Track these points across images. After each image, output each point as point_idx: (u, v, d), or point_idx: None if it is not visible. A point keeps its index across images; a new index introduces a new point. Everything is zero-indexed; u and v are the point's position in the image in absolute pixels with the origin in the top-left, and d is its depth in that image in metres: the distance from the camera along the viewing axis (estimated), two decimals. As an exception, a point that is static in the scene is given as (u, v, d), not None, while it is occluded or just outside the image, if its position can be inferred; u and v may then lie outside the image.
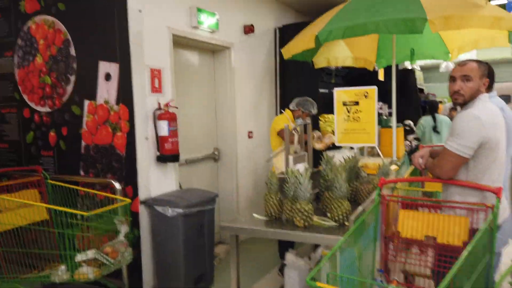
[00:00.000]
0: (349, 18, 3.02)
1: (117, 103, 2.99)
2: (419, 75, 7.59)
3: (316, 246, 3.31)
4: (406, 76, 6.53)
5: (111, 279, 2.96)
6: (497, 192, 1.82)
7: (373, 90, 2.87)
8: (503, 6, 4.60)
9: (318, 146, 3.67)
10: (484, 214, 1.86)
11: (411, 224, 2.05)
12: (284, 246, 3.32)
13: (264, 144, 4.68)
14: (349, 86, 5.02)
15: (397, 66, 4.61)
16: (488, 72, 2.08)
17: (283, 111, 3.55)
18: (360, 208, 2.12)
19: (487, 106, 1.98)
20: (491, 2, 4.03)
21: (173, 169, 3.26)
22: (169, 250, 2.90)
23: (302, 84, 4.67)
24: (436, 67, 10.71)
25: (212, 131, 4.22)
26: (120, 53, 2.94)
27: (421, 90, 7.85)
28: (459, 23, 2.77)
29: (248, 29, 4.27)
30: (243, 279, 2.83)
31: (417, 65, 8.21)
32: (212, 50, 4.14)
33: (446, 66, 8.95)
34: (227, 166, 4.23)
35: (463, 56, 4.43)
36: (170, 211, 2.81)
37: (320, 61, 4.28)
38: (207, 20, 3.63)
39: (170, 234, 2.87)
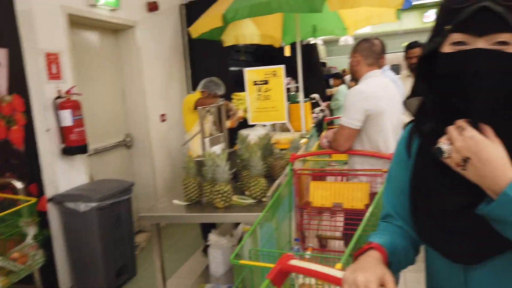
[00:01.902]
0: (254, -3, 3.07)
1: (10, 93, 2.68)
2: (321, 49, 8.02)
3: (237, 224, 3.42)
4: (310, 51, 6.86)
5: (23, 285, 2.74)
6: (390, 158, 2.07)
7: (280, 68, 2.98)
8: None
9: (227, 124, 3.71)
10: (382, 179, 2.10)
11: (320, 193, 2.23)
12: (206, 227, 3.37)
13: (177, 127, 4.60)
14: (258, 62, 5.14)
15: (301, 41, 4.83)
16: (363, 48, 2.21)
17: (193, 91, 3.51)
18: (275, 183, 2.23)
19: (373, 81, 2.19)
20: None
21: (82, 161, 3.07)
22: (85, 246, 2.76)
23: (212, 64, 4.65)
24: (336, 41, 11.39)
25: (122, 116, 4.03)
26: (8, 36, 2.62)
27: (324, 64, 8.32)
28: (353, 1, 2.98)
29: (152, 6, 4.09)
30: (168, 264, 2.83)
31: (320, 39, 8.65)
32: (114, 30, 3.89)
33: (345, 40, 9.55)
34: (140, 152, 4.10)
35: (358, 31, 4.79)
36: (83, 206, 2.66)
37: (228, 39, 4.29)
38: (106, -2, 3.39)
39: (85, 230, 2.73)
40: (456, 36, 0.73)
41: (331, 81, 7.64)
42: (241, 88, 4.66)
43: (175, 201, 2.28)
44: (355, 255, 0.86)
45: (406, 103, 0.89)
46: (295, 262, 0.88)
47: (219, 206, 2.10)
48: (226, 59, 4.79)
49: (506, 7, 0.68)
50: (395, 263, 0.87)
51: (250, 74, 3.06)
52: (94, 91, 3.60)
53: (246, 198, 2.20)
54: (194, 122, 3.40)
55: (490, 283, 0.77)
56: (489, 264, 0.76)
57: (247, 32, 4.40)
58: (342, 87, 6.29)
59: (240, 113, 3.84)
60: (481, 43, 0.70)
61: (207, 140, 2.52)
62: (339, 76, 6.55)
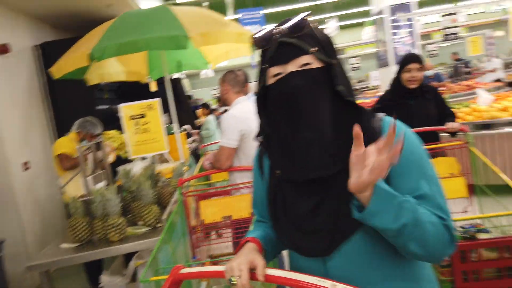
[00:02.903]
0: (121, 36, 3.16)
1: None
2: (186, 82, 8.35)
3: (127, 263, 3.34)
4: (176, 85, 7.10)
5: None
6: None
7: (156, 102, 3.13)
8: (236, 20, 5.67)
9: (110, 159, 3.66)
10: (261, 188, 2.42)
11: (210, 210, 2.43)
12: (93, 272, 3.21)
13: (44, 174, 4.27)
14: (123, 99, 5.12)
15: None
16: (230, 79, 2.57)
17: (67, 134, 3.38)
18: (168, 209, 2.35)
19: (242, 106, 2.53)
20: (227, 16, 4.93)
21: None
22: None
23: (77, 104, 4.49)
24: (197, 75, 11.95)
25: (-25, 169, 3.57)
26: None
27: (190, 97, 8.65)
28: (214, 39, 3.34)
29: (2, 49, 3.80)
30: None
31: (183, 74, 9.00)
32: (-44, 76, 3.49)
33: (206, 73, 10.16)
34: (2, 207, 3.67)
35: (219, 65, 5.23)
36: None
37: (93, 78, 4.21)
38: None
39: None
40: (273, 70, 0.92)
41: (199, 112, 8.01)
42: (110, 127, 4.60)
43: (64, 245, 2.19)
44: (236, 252, 0.97)
45: (257, 139, 1.05)
46: (185, 270, 0.94)
47: (114, 240, 2.11)
48: (91, 99, 4.67)
49: (297, 38, 0.90)
50: (270, 251, 1.02)
51: (126, 109, 3.11)
52: None
53: (140, 227, 2.26)
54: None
55: (347, 266, 0.90)
56: (342, 251, 0.89)
57: (113, 70, 4.39)
58: (211, 117, 6.67)
59: (110, 145, 3.80)
60: (291, 68, 0.90)
61: (89, 178, 2.49)
62: (207, 106, 6.97)
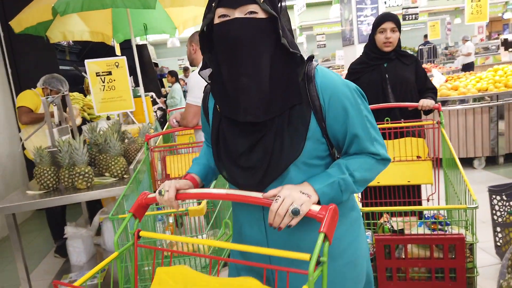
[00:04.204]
0: (86, -10, 3.09)
1: None
2: (151, 50, 8.19)
3: (91, 217, 3.39)
4: (141, 51, 6.98)
5: None
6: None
7: (122, 60, 3.12)
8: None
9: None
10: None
11: (176, 166, 2.53)
12: (57, 227, 3.24)
13: (4, 130, 4.16)
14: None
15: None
16: (197, 39, 2.62)
17: (34, 89, 3.32)
18: (135, 161, 2.41)
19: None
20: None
21: None
22: None
23: (39, 61, 4.36)
24: (164, 44, 11.70)
25: None
26: None
27: (156, 64, 8.50)
28: (182, 0, 3.33)
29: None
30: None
31: (147, 41, 8.80)
32: None
33: (172, 42, 9.98)
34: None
35: (188, 30, 5.20)
36: None
37: (55, 36, 4.10)
38: None
39: None
40: (220, 11, 0.94)
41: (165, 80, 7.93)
42: (72, 89, 4.51)
43: (29, 192, 2.22)
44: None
45: (200, 73, 1.08)
46: (151, 195, 1.04)
47: (81, 187, 2.17)
48: (54, 58, 4.54)
49: None
50: (208, 182, 1.17)
51: (92, 65, 3.08)
52: None
53: (107, 178, 2.32)
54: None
55: None
56: (276, 185, 0.95)
57: (76, 28, 4.28)
58: (177, 86, 6.65)
59: (78, 110, 3.79)
60: (237, 13, 0.93)
61: (55, 130, 2.50)
62: (174, 74, 6.92)
